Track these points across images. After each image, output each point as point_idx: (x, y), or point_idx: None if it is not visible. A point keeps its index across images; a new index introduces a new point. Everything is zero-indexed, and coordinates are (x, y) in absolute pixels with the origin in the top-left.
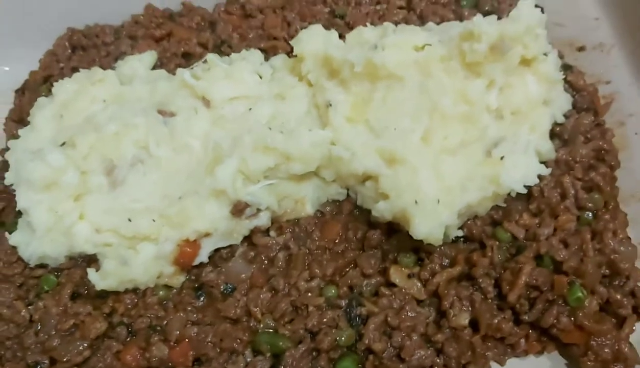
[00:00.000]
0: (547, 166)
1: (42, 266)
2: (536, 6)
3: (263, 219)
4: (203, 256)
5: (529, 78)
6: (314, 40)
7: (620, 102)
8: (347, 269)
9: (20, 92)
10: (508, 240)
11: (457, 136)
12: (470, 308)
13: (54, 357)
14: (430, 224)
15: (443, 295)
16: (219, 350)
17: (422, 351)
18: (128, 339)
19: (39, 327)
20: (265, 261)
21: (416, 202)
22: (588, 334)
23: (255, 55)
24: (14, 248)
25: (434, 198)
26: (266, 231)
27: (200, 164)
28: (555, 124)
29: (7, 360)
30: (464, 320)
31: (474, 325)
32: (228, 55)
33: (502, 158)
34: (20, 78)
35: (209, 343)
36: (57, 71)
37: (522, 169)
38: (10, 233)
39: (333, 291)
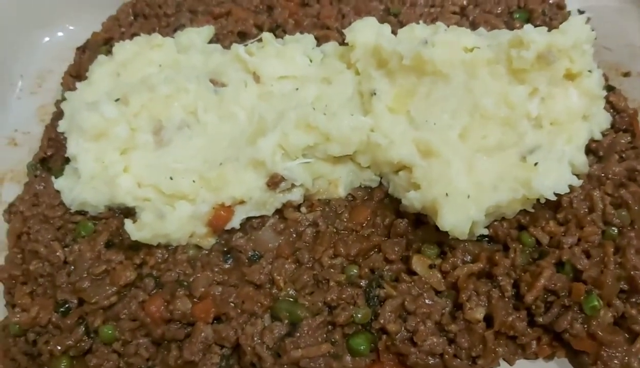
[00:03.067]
0: (579, 179)
1: (81, 213)
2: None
3: (296, 195)
4: (235, 223)
5: (572, 91)
6: (366, 30)
7: None
8: (371, 252)
9: (82, 50)
10: (532, 245)
11: (494, 138)
12: (486, 304)
13: (83, 297)
14: (458, 217)
15: (462, 288)
16: (239, 311)
17: (435, 338)
18: (154, 291)
19: (72, 269)
20: (294, 235)
21: (447, 194)
22: (599, 344)
23: (308, 39)
24: (57, 192)
25: (464, 192)
26: (297, 207)
27: (243, 134)
28: (592, 140)
29: (37, 295)
30: (479, 314)
31: (489, 321)
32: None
33: (535, 164)
34: (82, 38)
35: (231, 304)
36: (118, 34)
37: (554, 176)
38: (56, 178)
39: (355, 270)
